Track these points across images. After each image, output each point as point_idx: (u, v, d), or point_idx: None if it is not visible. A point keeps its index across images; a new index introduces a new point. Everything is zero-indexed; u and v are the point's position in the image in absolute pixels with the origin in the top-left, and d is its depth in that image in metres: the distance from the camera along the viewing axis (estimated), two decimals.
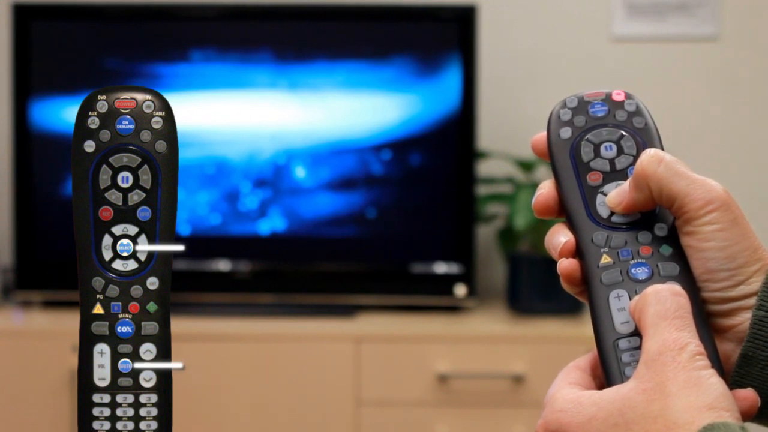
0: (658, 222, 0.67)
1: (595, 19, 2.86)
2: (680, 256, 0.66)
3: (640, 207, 0.67)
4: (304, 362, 2.47)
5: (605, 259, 0.67)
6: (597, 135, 0.70)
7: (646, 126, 0.70)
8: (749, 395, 0.63)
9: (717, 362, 0.64)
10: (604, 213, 0.68)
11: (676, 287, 0.63)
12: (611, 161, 0.69)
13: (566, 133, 0.70)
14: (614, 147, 0.69)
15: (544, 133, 0.71)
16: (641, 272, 0.66)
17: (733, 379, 0.65)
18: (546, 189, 0.70)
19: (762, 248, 0.66)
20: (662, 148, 0.69)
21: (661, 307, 0.62)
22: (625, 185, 0.67)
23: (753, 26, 2.85)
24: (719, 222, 0.65)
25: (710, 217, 0.65)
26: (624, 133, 0.69)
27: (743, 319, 0.65)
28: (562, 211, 0.69)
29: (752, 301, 0.65)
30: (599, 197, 0.68)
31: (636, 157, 0.68)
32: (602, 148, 0.69)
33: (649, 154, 0.66)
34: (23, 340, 2.52)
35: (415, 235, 2.67)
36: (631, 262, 0.66)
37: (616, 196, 0.68)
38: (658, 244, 0.67)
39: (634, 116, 0.70)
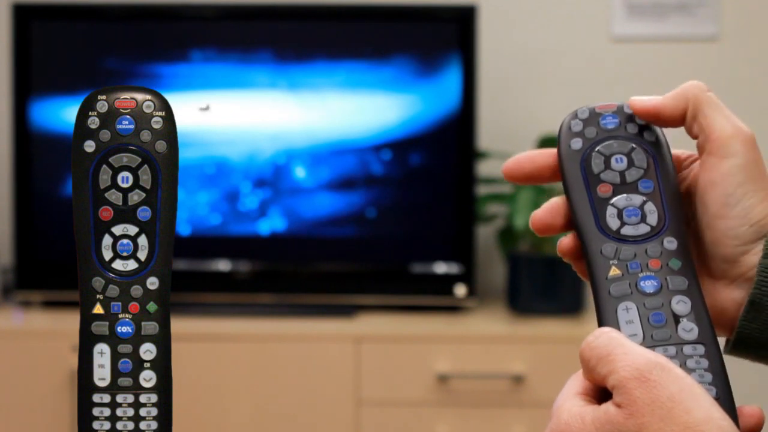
0: (667, 236, 0.67)
1: (595, 19, 2.86)
2: (689, 270, 0.67)
3: (664, 115, 0.68)
4: (304, 362, 2.47)
5: (614, 271, 0.67)
6: (608, 147, 0.69)
7: (657, 140, 0.70)
8: (755, 412, 0.63)
9: (721, 369, 0.64)
10: (613, 225, 0.68)
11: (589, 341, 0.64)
12: (621, 173, 0.69)
13: (577, 144, 0.70)
14: (625, 159, 0.69)
15: (522, 155, 0.71)
16: (650, 285, 0.66)
17: (741, 324, 0.66)
18: (543, 208, 0.70)
19: None
20: (672, 164, 0.69)
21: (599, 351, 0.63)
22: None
23: (753, 26, 2.85)
24: (743, 156, 0.66)
25: (736, 148, 0.66)
26: (635, 146, 0.69)
27: (751, 265, 0.66)
28: (571, 222, 0.69)
29: (760, 246, 0.66)
30: (609, 209, 0.68)
31: (646, 171, 0.69)
32: (613, 160, 0.69)
33: (697, 82, 0.68)
34: (23, 340, 2.52)
35: (415, 235, 2.67)
36: (640, 274, 0.66)
37: (643, 98, 0.69)
38: (668, 257, 0.67)
39: (645, 130, 0.70)
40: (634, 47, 2.86)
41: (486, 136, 2.79)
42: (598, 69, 2.87)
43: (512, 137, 2.84)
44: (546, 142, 2.65)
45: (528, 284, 2.62)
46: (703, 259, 0.68)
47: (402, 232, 2.67)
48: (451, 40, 2.64)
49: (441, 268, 2.65)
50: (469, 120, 2.63)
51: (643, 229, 0.67)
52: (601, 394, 0.63)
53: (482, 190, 2.72)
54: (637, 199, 0.68)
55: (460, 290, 2.63)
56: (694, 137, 0.68)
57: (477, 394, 2.46)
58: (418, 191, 2.66)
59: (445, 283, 2.64)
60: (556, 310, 2.60)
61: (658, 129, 0.70)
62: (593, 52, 2.87)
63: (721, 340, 0.68)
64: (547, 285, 2.59)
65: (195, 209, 2.67)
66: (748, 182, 0.66)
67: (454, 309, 2.67)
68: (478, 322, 2.60)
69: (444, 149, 2.65)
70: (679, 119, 0.68)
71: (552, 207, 0.70)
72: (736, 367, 0.71)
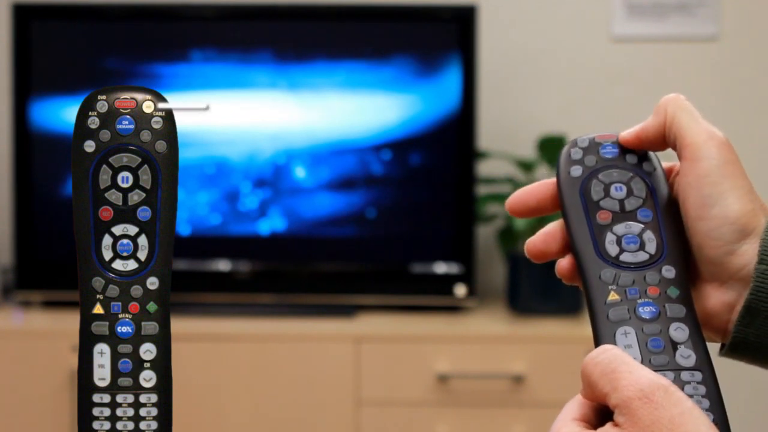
0: (665, 264, 0.68)
1: (595, 19, 2.86)
2: (687, 299, 0.67)
3: (649, 136, 0.69)
4: (304, 362, 2.47)
5: (613, 297, 0.67)
6: (607, 175, 0.70)
7: (655, 171, 0.71)
8: None
9: (718, 396, 0.65)
10: (612, 251, 0.68)
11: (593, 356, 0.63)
12: (621, 202, 0.70)
13: (577, 171, 0.71)
14: (624, 188, 0.70)
15: (522, 191, 0.72)
16: (648, 312, 0.66)
17: (736, 328, 0.66)
18: (537, 236, 0.71)
19: (755, 192, 0.67)
20: (670, 194, 0.70)
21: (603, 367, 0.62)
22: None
23: (753, 26, 2.85)
24: (717, 158, 0.67)
25: (710, 151, 0.67)
26: (634, 176, 0.70)
27: (739, 267, 0.66)
28: (569, 248, 0.70)
29: (747, 245, 0.66)
30: (608, 235, 0.69)
31: (645, 200, 0.69)
32: (612, 188, 0.70)
33: (675, 94, 0.70)
34: (23, 340, 2.52)
35: (415, 235, 2.67)
36: (639, 300, 0.67)
37: (629, 129, 0.71)
38: (666, 285, 0.67)
39: (644, 161, 0.71)
40: (634, 47, 2.86)
41: (486, 136, 2.79)
42: (598, 69, 2.87)
43: (512, 137, 2.84)
44: (546, 142, 2.65)
45: (528, 284, 2.62)
46: (692, 264, 0.69)
47: (402, 232, 2.67)
48: (451, 40, 2.64)
49: (441, 268, 2.65)
50: (469, 120, 2.63)
51: (642, 256, 0.68)
52: (599, 420, 0.63)
53: (482, 190, 2.72)
54: (636, 227, 0.69)
55: (460, 290, 2.63)
56: (673, 147, 0.69)
57: (477, 394, 2.46)
58: (418, 191, 2.66)
59: (445, 283, 2.64)
60: (556, 310, 2.60)
61: (656, 160, 0.71)
62: (593, 52, 2.87)
63: (714, 347, 0.69)
64: (547, 285, 2.59)
65: (195, 209, 2.67)
66: (723, 181, 0.66)
67: (454, 309, 2.67)
68: (478, 322, 2.60)
69: (444, 149, 2.65)
70: (659, 137, 0.70)
71: (547, 234, 0.71)
72: (730, 389, 0.71)
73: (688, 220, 0.68)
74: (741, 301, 0.66)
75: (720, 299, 0.68)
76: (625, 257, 0.68)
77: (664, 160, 0.72)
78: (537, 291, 2.61)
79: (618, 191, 0.70)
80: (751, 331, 0.66)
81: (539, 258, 0.71)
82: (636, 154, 0.71)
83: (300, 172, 2.67)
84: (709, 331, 0.68)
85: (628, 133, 0.71)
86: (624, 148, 0.71)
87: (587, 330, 2.40)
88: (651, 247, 0.68)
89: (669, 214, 0.69)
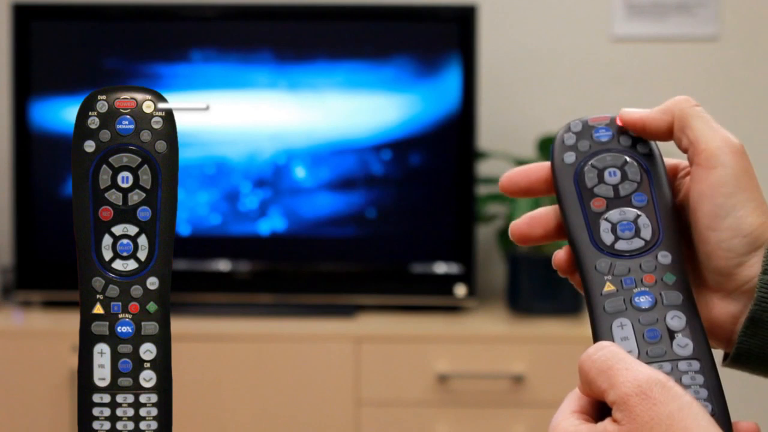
0: (661, 250, 0.67)
1: (595, 19, 2.86)
2: (684, 285, 0.67)
3: (649, 128, 0.68)
4: (304, 362, 2.47)
5: (608, 287, 0.67)
6: (601, 160, 0.69)
7: (650, 152, 0.70)
8: (751, 428, 0.63)
9: (716, 385, 0.64)
10: (607, 240, 0.68)
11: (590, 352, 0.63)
12: (615, 187, 0.69)
13: (570, 157, 0.70)
14: (618, 173, 0.69)
15: (516, 170, 0.71)
16: (644, 301, 0.66)
17: (740, 339, 0.66)
18: (522, 219, 0.71)
19: (767, 203, 0.66)
20: (667, 176, 0.69)
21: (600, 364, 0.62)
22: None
23: (753, 26, 2.85)
24: (732, 166, 0.66)
25: (724, 159, 0.66)
26: (628, 159, 0.69)
27: (746, 278, 0.66)
28: (567, 238, 0.69)
29: (756, 258, 0.65)
30: (603, 224, 0.68)
31: (640, 184, 0.68)
32: (606, 173, 0.69)
33: (685, 97, 0.68)
34: (23, 340, 2.52)
35: (415, 235, 2.67)
36: (635, 290, 0.66)
37: (632, 110, 0.69)
38: (662, 272, 0.67)
39: (638, 142, 0.70)
40: (634, 47, 2.86)
41: (486, 136, 2.79)
42: (598, 69, 2.87)
43: (512, 137, 2.84)
44: (546, 142, 2.65)
45: (528, 284, 2.62)
46: (699, 272, 0.68)
47: (402, 232, 2.67)
48: (451, 40, 2.64)
49: (441, 268, 2.65)
50: (469, 120, 2.63)
51: (637, 243, 0.67)
52: (598, 412, 0.63)
53: (482, 190, 2.72)
54: (631, 213, 0.68)
55: (460, 290, 2.63)
56: (684, 151, 0.68)
57: (477, 394, 2.46)
58: (418, 191, 2.66)
59: (445, 283, 2.64)
60: (556, 310, 2.60)
61: (651, 141, 0.70)
62: (593, 52, 2.87)
63: (718, 353, 0.68)
64: (547, 285, 2.59)
65: (195, 209, 2.67)
66: (737, 192, 0.65)
67: (454, 309, 2.67)
68: (478, 322, 2.60)
69: (444, 149, 2.65)
70: (664, 133, 0.68)
71: (532, 218, 0.71)
72: (731, 378, 0.71)
73: (698, 228, 0.67)
74: (745, 312, 0.66)
75: (725, 309, 0.67)
76: (621, 245, 0.67)
77: (665, 156, 0.71)
78: (537, 291, 2.61)
79: (612, 176, 0.69)
80: (755, 342, 0.65)
81: (521, 241, 0.71)
82: (630, 136, 0.70)
83: (300, 172, 2.67)
84: (713, 340, 0.68)
85: (629, 114, 0.69)
86: (619, 130, 0.70)
87: (587, 330, 2.40)
88: (646, 233, 0.67)
89: (664, 197, 0.68)
